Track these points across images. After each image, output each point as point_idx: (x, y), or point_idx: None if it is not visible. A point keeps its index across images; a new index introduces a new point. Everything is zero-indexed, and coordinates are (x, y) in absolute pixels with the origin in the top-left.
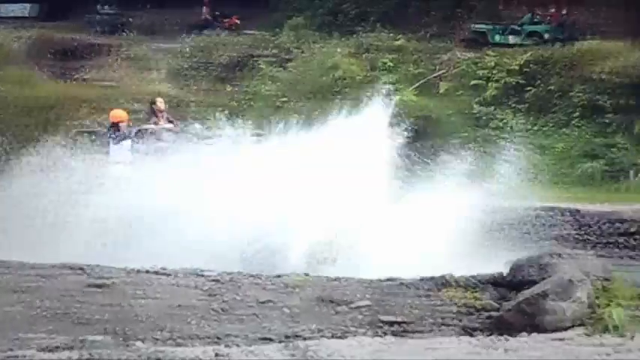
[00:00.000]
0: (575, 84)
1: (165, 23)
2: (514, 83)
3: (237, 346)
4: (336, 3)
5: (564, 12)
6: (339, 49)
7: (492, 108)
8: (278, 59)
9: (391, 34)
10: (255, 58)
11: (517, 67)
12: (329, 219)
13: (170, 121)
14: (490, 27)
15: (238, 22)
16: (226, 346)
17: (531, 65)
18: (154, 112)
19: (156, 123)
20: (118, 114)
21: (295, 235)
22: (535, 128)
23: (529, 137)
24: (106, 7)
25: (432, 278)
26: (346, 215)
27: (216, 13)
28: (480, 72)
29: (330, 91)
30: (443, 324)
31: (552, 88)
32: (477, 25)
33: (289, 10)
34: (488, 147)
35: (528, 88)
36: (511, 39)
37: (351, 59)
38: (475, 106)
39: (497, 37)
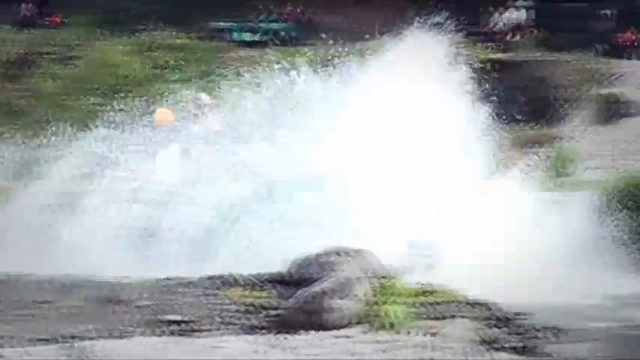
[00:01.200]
0: None
1: None
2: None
3: (12, 347)
4: (118, 1)
5: (300, 10)
6: (121, 47)
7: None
8: (60, 57)
9: (174, 33)
10: (43, 56)
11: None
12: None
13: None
14: (229, 25)
15: (59, 20)
16: (0, 346)
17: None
18: (199, 109)
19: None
20: (162, 115)
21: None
22: None
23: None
24: None
25: (214, 277)
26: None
27: (38, 10)
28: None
29: (114, 88)
30: (225, 323)
31: None
32: (216, 23)
33: (72, 6)
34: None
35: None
36: (248, 36)
37: (133, 57)
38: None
39: (235, 35)
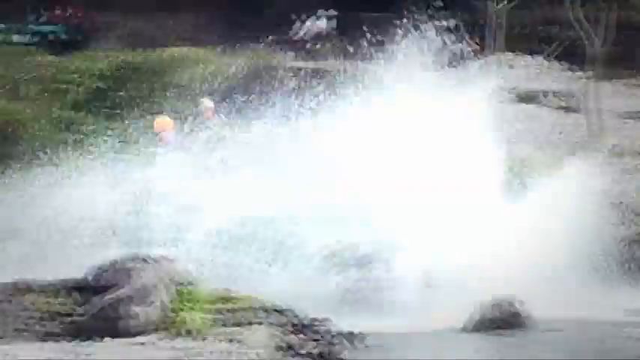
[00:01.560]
0: (157, 89)
1: None
2: (100, 88)
3: None
4: None
5: (69, 13)
6: None
7: (75, 112)
8: None
9: None
10: None
11: (108, 72)
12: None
13: None
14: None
15: None
16: None
17: (122, 70)
18: (201, 114)
19: None
20: (163, 122)
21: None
22: (117, 132)
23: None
24: None
25: (13, 283)
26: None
27: None
28: (68, 76)
29: None
30: (19, 330)
31: (133, 93)
32: None
33: None
34: (78, 150)
35: (111, 93)
36: (15, 38)
37: None
38: (55, 110)
39: (12, 37)
